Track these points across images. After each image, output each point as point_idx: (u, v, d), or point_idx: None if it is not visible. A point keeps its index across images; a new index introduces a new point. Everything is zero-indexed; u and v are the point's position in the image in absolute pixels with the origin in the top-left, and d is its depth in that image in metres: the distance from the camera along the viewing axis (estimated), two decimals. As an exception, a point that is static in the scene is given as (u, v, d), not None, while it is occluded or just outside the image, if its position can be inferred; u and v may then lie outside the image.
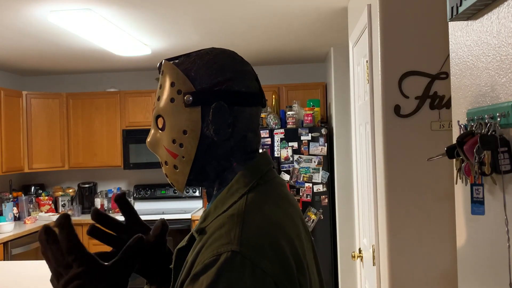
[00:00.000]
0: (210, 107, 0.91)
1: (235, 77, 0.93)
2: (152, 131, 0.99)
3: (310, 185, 4.72)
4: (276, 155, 4.76)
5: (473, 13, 1.14)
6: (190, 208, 5.54)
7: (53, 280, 0.88)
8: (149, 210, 5.58)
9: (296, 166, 4.73)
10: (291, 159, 4.74)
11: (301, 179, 4.72)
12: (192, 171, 0.95)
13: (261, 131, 4.72)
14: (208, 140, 0.93)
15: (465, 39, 1.24)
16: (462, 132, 1.17)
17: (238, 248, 0.77)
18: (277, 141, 4.76)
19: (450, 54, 1.36)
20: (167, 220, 5.60)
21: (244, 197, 0.88)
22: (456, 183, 1.27)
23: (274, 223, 0.84)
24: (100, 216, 0.98)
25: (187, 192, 5.63)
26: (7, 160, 4.92)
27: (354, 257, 2.92)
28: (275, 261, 0.78)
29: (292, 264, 0.80)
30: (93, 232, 0.96)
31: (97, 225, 0.98)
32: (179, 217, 5.11)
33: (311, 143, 4.75)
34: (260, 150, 1.02)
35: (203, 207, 5.66)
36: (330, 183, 4.74)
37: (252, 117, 0.95)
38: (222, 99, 0.91)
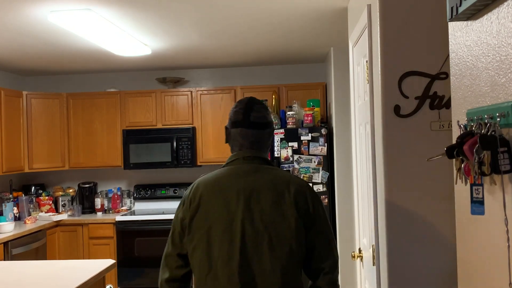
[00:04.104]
0: None
1: (230, 114, 1.91)
2: None
3: (310, 185, 4.71)
4: (276, 155, 4.76)
5: (473, 13, 1.14)
6: (190, 208, 5.53)
7: None
8: (149, 210, 5.58)
9: (296, 166, 4.73)
10: (291, 159, 4.74)
11: (301, 179, 4.72)
12: None
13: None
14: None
15: (465, 39, 1.24)
16: (462, 132, 1.17)
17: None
18: (277, 141, 4.76)
19: (450, 54, 1.36)
20: (167, 220, 5.55)
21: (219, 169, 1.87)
22: (456, 183, 1.28)
23: (202, 181, 1.83)
24: None
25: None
26: (7, 160, 4.92)
27: (354, 257, 2.92)
28: (188, 192, 1.84)
29: (189, 197, 1.81)
30: None
31: None
32: (179, 217, 5.10)
33: (311, 143, 4.75)
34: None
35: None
36: (330, 183, 4.74)
37: (236, 133, 1.87)
38: (228, 125, 1.92)
